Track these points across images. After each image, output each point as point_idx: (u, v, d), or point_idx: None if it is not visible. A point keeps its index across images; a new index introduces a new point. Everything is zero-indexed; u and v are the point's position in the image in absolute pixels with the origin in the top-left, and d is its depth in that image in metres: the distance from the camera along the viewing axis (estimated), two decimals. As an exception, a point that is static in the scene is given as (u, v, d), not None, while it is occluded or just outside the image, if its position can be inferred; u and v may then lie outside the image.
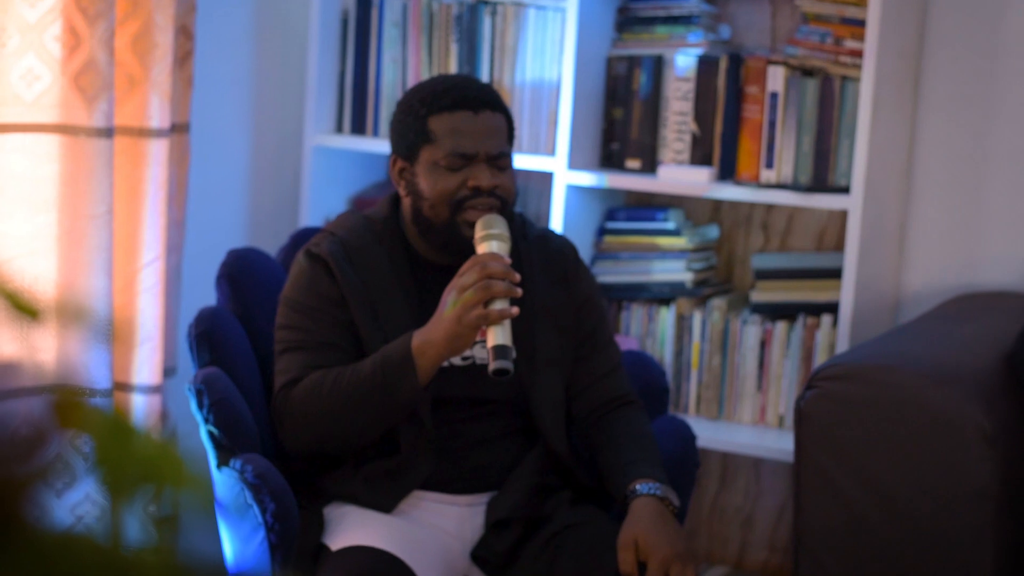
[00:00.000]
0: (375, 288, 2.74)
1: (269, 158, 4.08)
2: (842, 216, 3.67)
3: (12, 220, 2.97)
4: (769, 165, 3.57)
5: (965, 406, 2.81)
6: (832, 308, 3.56)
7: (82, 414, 0.60)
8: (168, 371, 3.38)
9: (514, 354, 2.53)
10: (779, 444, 3.49)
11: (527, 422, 2.80)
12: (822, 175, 3.52)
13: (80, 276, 3.05)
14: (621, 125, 3.74)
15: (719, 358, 3.68)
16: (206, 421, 2.70)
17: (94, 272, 3.06)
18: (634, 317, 3.75)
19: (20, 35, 2.94)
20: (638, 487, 2.62)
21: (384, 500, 2.70)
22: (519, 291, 2.54)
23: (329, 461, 2.76)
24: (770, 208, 3.81)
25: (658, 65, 3.69)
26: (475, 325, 2.52)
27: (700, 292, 3.73)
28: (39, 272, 3.01)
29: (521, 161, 3.61)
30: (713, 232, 3.84)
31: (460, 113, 2.72)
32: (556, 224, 3.62)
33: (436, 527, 2.72)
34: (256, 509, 2.60)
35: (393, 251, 2.78)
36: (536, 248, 2.86)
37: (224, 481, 2.66)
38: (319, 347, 2.70)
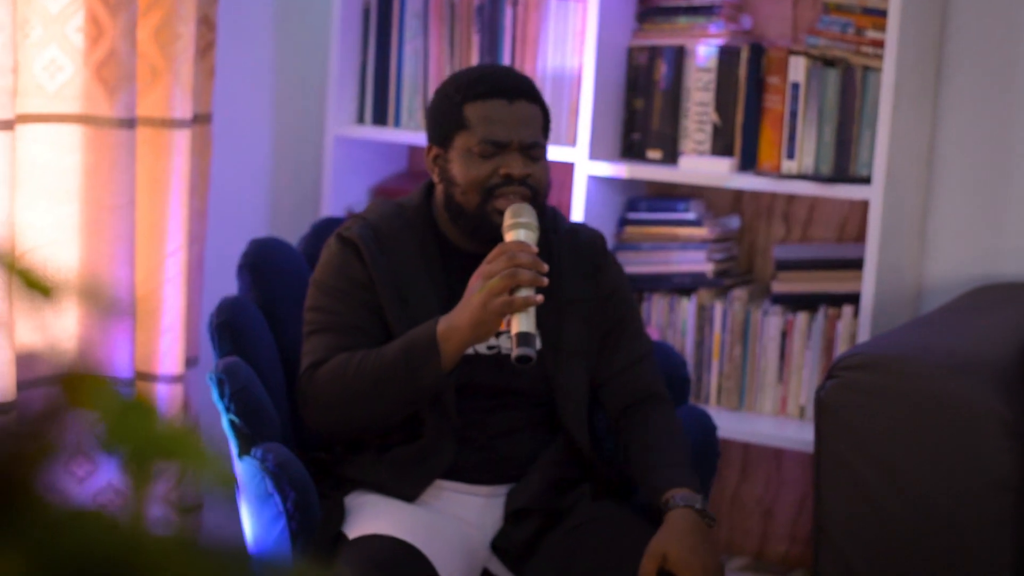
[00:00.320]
0: (404, 273, 2.75)
1: (291, 148, 4.09)
2: (863, 206, 3.66)
3: (35, 210, 2.99)
4: (790, 155, 3.56)
5: (986, 396, 2.81)
6: (853, 299, 3.55)
7: (96, 392, 0.60)
8: (190, 361, 3.39)
9: (539, 343, 2.53)
10: (800, 435, 3.49)
11: (550, 413, 2.80)
12: (843, 165, 3.52)
13: (102, 266, 3.06)
14: (642, 115, 3.74)
15: (740, 349, 3.68)
16: (227, 410, 2.71)
17: (116, 262, 3.07)
18: (655, 308, 3.75)
19: (43, 26, 2.95)
20: (677, 498, 2.60)
21: (407, 488, 2.70)
22: (545, 280, 2.54)
23: (351, 448, 2.77)
24: (791, 198, 3.81)
25: (679, 55, 3.69)
26: (500, 312, 2.53)
27: (721, 283, 3.73)
28: (61, 262, 3.03)
29: (547, 152, 3.61)
30: (734, 222, 3.83)
31: (496, 101, 2.73)
32: (577, 215, 3.62)
33: (456, 517, 2.73)
34: (277, 498, 2.61)
35: (423, 237, 2.79)
36: (566, 241, 2.86)
37: (245, 470, 2.67)
38: (346, 329, 2.72)
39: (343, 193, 3.93)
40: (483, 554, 2.74)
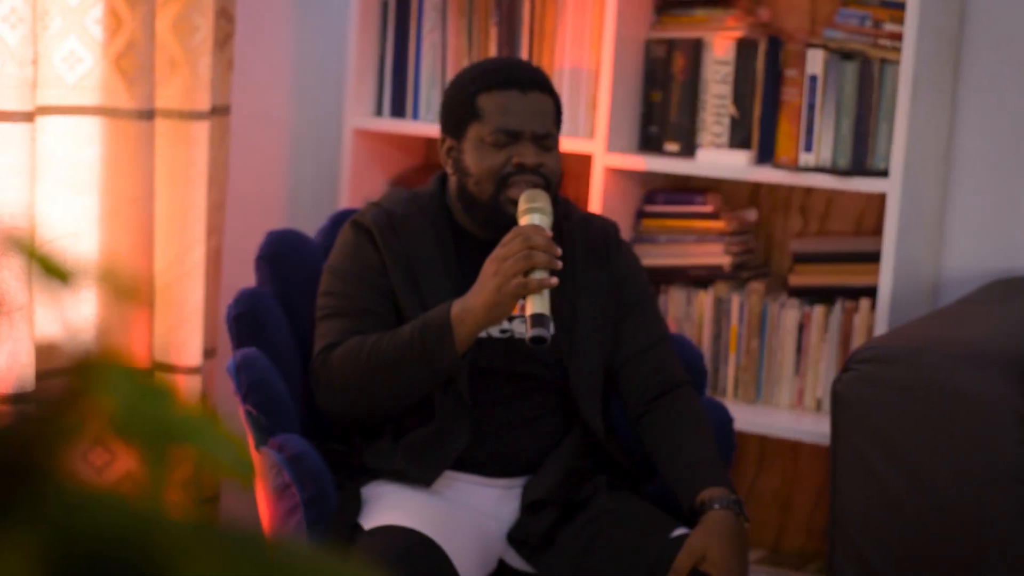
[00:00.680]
0: (417, 258, 2.76)
1: (309, 141, 4.10)
2: (881, 199, 3.66)
3: (54, 201, 3.00)
4: (808, 148, 3.56)
5: (1002, 390, 2.80)
6: (870, 292, 3.55)
7: (114, 376, 0.61)
8: (208, 352, 3.41)
9: (552, 327, 2.55)
10: (817, 428, 3.49)
11: (565, 401, 2.81)
12: (861, 158, 3.52)
13: (121, 258, 3.07)
14: (660, 108, 3.74)
15: (757, 342, 3.68)
16: (245, 401, 2.72)
17: (135, 254, 3.08)
18: (672, 300, 3.75)
19: (62, 18, 2.96)
20: (715, 499, 2.61)
21: (424, 472, 2.71)
22: (559, 263, 2.56)
23: (367, 436, 2.78)
24: (808, 191, 3.80)
25: (697, 48, 3.69)
26: (515, 294, 2.54)
27: (738, 275, 3.73)
28: (80, 252, 3.04)
29: (560, 143, 3.61)
30: (751, 215, 3.83)
31: (509, 91, 2.75)
32: (594, 207, 3.63)
33: (472, 508, 2.73)
34: (294, 489, 2.62)
35: (437, 224, 2.81)
36: (579, 229, 2.88)
37: (262, 461, 2.68)
38: (359, 313, 2.73)
39: (361, 185, 3.94)
40: (499, 545, 2.74)
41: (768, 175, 3.55)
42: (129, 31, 3.02)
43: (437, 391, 2.70)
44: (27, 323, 2.84)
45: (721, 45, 3.66)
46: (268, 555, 0.61)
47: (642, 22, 3.73)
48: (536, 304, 2.54)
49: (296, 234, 3.10)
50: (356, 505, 2.69)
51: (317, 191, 4.10)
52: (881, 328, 3.40)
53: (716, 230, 3.73)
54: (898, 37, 3.44)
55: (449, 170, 2.81)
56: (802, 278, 3.68)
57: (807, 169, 3.53)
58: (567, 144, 3.64)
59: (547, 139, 2.76)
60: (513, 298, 2.55)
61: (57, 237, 3.01)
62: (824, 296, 3.65)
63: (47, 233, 2.99)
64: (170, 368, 3.25)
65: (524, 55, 3.76)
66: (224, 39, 3.38)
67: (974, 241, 3.63)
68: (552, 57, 3.74)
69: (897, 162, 3.37)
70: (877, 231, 3.67)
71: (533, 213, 2.64)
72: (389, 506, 2.66)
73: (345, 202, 3.89)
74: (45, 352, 2.95)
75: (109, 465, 3.08)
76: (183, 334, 3.25)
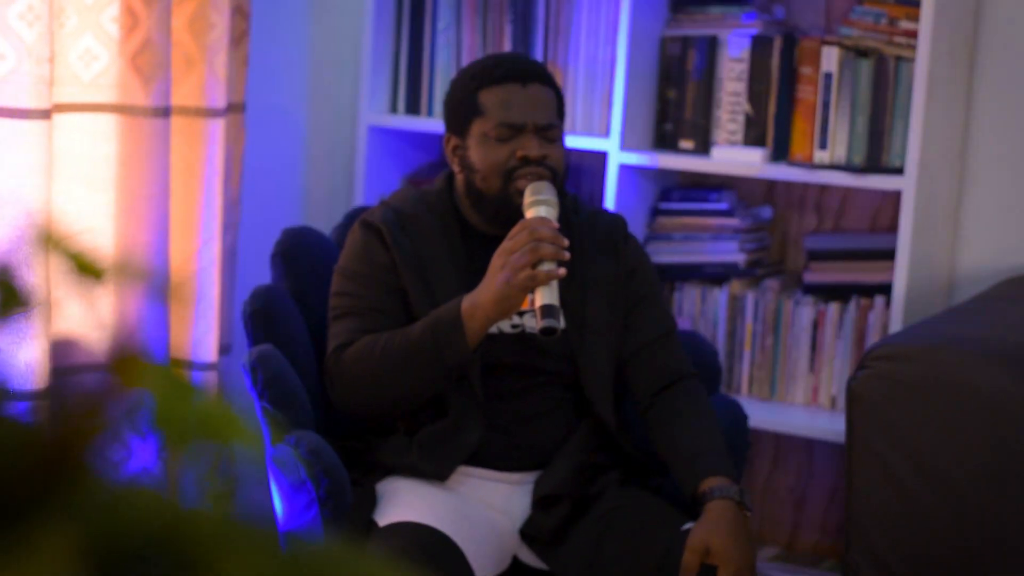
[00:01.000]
0: (426, 256, 2.78)
1: (324, 137, 4.10)
2: (896, 197, 3.65)
3: (70, 198, 3.01)
4: (823, 146, 3.56)
5: (1018, 387, 2.80)
6: (885, 289, 3.55)
7: (145, 372, 0.61)
8: (223, 348, 3.41)
9: (562, 319, 2.55)
10: (831, 425, 3.49)
11: (576, 395, 2.82)
12: (876, 156, 3.51)
13: (137, 254, 3.08)
14: (675, 106, 3.74)
15: (772, 339, 3.68)
16: (260, 398, 2.73)
17: (151, 250, 3.09)
18: (687, 297, 3.75)
19: (78, 15, 2.97)
20: (715, 488, 2.61)
21: (438, 467, 2.72)
22: (567, 254, 2.56)
23: (381, 432, 2.79)
24: (823, 189, 3.80)
25: (712, 45, 3.69)
26: (523, 287, 2.55)
27: (753, 273, 3.73)
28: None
29: (575, 141, 3.62)
30: (766, 213, 3.83)
31: (509, 85, 2.77)
32: (609, 204, 3.63)
33: (485, 504, 2.74)
34: (310, 485, 2.62)
35: (445, 221, 2.82)
36: (587, 224, 2.89)
37: (278, 457, 2.68)
38: (370, 312, 2.75)
39: (376, 182, 3.95)
40: (512, 541, 2.75)
41: (783, 172, 3.55)
42: (145, 29, 3.03)
43: (450, 387, 2.70)
44: (44, 320, 2.85)
45: (736, 42, 3.65)
46: (299, 550, 0.61)
47: (657, 19, 3.73)
48: (545, 295, 2.55)
49: (312, 231, 3.10)
50: (371, 501, 2.69)
51: (332, 188, 4.11)
52: (896, 325, 3.40)
53: (731, 227, 3.73)
54: (913, 35, 3.43)
55: (456, 168, 2.83)
56: (817, 275, 3.68)
57: (822, 166, 3.53)
58: (582, 142, 3.64)
59: (550, 130, 2.77)
60: (522, 290, 2.56)
61: (80, 232, 3.02)
62: (839, 293, 3.65)
63: (74, 229, 3.00)
64: (185, 364, 3.26)
65: (539, 52, 3.76)
66: (239, 36, 3.38)
67: (989, 238, 3.63)
68: (567, 54, 3.74)
69: (912, 159, 3.37)
70: (892, 228, 3.66)
71: (539, 205, 2.65)
72: (404, 502, 2.66)
73: (360, 199, 3.90)
74: (60, 349, 2.96)
75: (125, 460, 3.09)
76: (198, 330, 3.26)
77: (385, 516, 2.64)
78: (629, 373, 2.85)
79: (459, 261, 2.80)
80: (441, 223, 2.82)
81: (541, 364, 2.78)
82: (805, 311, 3.65)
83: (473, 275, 2.75)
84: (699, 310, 3.75)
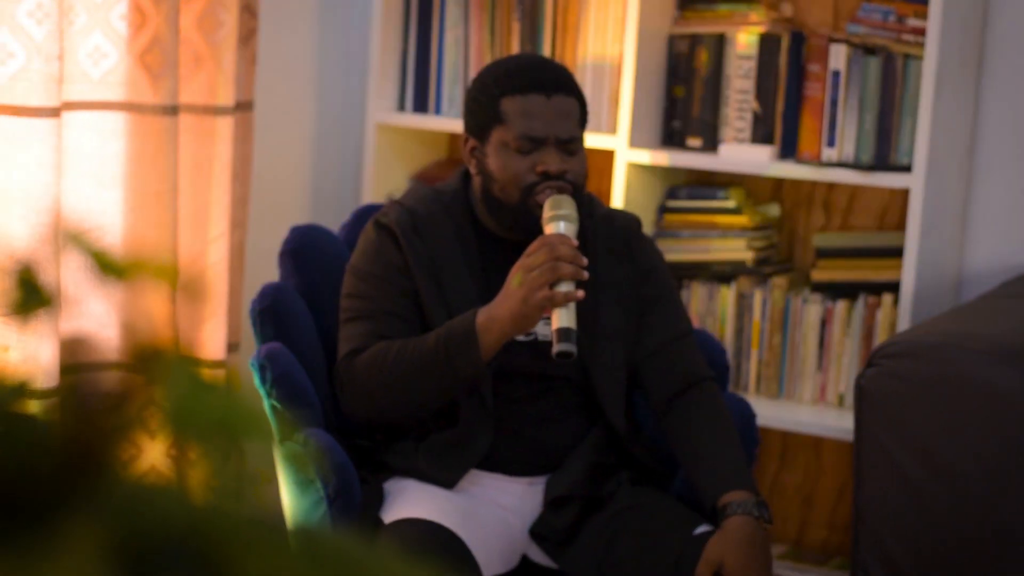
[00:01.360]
0: (440, 259, 2.75)
1: (332, 135, 4.11)
2: (904, 195, 3.65)
3: (79, 196, 3.01)
4: (831, 143, 3.56)
5: (1026, 385, 2.80)
6: (893, 287, 3.55)
7: (171, 370, 0.61)
8: (232, 346, 3.42)
9: (576, 338, 2.53)
10: (839, 423, 3.49)
11: (587, 399, 2.80)
12: (884, 153, 3.51)
13: (145, 252, 3.09)
14: (682, 103, 3.74)
15: (779, 337, 3.68)
16: (269, 396, 2.73)
17: (159, 248, 3.09)
18: (694, 295, 3.75)
19: (87, 13, 2.97)
20: (733, 503, 2.61)
21: (446, 475, 2.71)
22: (586, 274, 2.53)
23: (390, 435, 2.78)
24: (831, 187, 3.80)
25: (720, 43, 3.69)
26: (541, 306, 2.52)
27: (761, 271, 3.73)
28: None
29: (585, 143, 3.62)
30: (774, 210, 3.83)
31: (533, 96, 2.70)
32: (617, 202, 3.63)
33: (495, 503, 2.74)
34: (318, 483, 2.62)
35: (460, 223, 2.78)
36: (601, 225, 2.86)
37: (287, 455, 2.69)
38: (383, 316, 2.72)
39: (384, 180, 3.95)
40: (522, 541, 2.75)
41: (791, 170, 3.55)
42: (153, 26, 3.03)
43: (461, 396, 2.69)
44: (56, 317, 2.86)
45: (744, 40, 3.65)
46: (324, 548, 0.61)
47: (665, 17, 3.73)
48: (562, 318, 2.51)
49: (320, 229, 3.10)
50: (378, 499, 2.69)
51: (340, 186, 4.11)
52: (904, 323, 3.40)
53: (739, 225, 3.73)
54: (921, 32, 3.43)
55: (473, 170, 2.78)
56: (825, 273, 3.68)
57: (830, 164, 3.53)
58: (590, 140, 3.64)
59: (571, 143, 2.71)
60: (539, 310, 2.52)
61: (94, 229, 3.02)
62: (847, 291, 3.64)
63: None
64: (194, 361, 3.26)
65: (546, 50, 3.76)
66: (248, 34, 3.39)
67: (997, 236, 3.63)
68: (574, 52, 3.74)
69: (920, 157, 3.37)
70: (900, 226, 3.66)
71: (558, 221, 2.60)
72: (411, 500, 2.66)
73: (368, 197, 3.90)
74: (69, 347, 2.96)
75: (136, 458, 3.09)
76: (207, 328, 3.26)
77: (391, 513, 2.64)
78: (644, 376, 2.82)
79: (473, 264, 2.77)
80: (456, 225, 2.78)
81: (552, 371, 2.76)
82: (813, 309, 3.65)
83: (487, 278, 2.73)
84: (706, 308, 3.75)
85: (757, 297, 3.70)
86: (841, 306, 3.63)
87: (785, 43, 3.61)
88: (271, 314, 2.87)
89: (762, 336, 3.70)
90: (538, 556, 2.74)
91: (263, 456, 2.79)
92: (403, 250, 2.74)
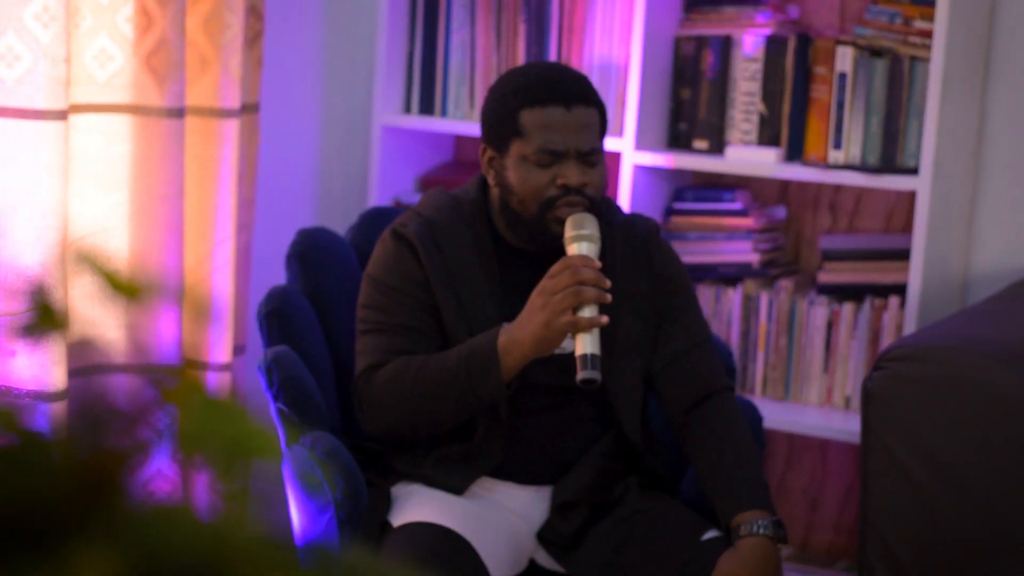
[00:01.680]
0: (460, 271, 2.71)
1: (338, 138, 4.11)
2: (910, 197, 3.65)
3: (85, 199, 3.01)
4: (837, 146, 3.56)
5: (1034, 389, 2.80)
6: (900, 289, 3.54)
7: (185, 389, 0.61)
8: (238, 349, 3.42)
9: (600, 364, 2.50)
10: (846, 425, 3.49)
11: (601, 409, 2.78)
12: (890, 156, 3.51)
13: (151, 254, 3.09)
14: (689, 105, 3.74)
15: (786, 339, 3.68)
16: (276, 399, 2.73)
17: (165, 251, 3.10)
18: (701, 298, 3.74)
19: (93, 16, 2.97)
20: (748, 523, 2.59)
21: (454, 482, 2.70)
22: (609, 297, 2.50)
23: (400, 442, 2.77)
24: (838, 189, 3.80)
25: (726, 45, 3.69)
26: (564, 331, 2.49)
27: (767, 273, 3.73)
28: (111, 250, 3.05)
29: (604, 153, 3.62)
30: (780, 213, 3.83)
31: (552, 108, 2.65)
32: (623, 205, 3.62)
33: (503, 507, 2.73)
34: (325, 487, 2.62)
35: (479, 235, 2.74)
36: (620, 233, 2.81)
37: (293, 459, 2.69)
38: (401, 330, 2.68)
39: (390, 183, 3.95)
40: (530, 545, 2.74)
41: (797, 172, 3.55)
42: (159, 29, 3.03)
43: (480, 414, 2.67)
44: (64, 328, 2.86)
45: (750, 42, 3.65)
46: (335, 567, 0.61)
47: (671, 19, 3.73)
48: (586, 343, 2.48)
49: (327, 232, 3.10)
50: (386, 503, 2.69)
51: (346, 188, 4.11)
52: (910, 326, 3.39)
53: (745, 227, 3.73)
54: (928, 34, 3.43)
55: (491, 180, 2.72)
56: (831, 275, 3.67)
57: (836, 166, 3.53)
58: (596, 141, 3.64)
59: (592, 155, 2.66)
60: (561, 335, 2.49)
61: (88, 234, 3.02)
62: (853, 293, 3.64)
63: (79, 230, 3.00)
64: (200, 365, 3.26)
65: (552, 52, 3.76)
66: (254, 37, 3.39)
67: (1004, 238, 3.62)
68: (581, 54, 3.74)
69: (927, 159, 3.37)
70: (907, 228, 3.66)
71: (581, 241, 2.56)
72: (418, 504, 2.66)
73: (375, 199, 3.90)
74: (76, 351, 2.96)
75: (152, 481, 3.09)
76: (213, 331, 3.26)
77: (399, 518, 2.64)
78: (661, 386, 2.79)
79: (493, 277, 2.72)
80: (475, 237, 2.73)
81: (569, 383, 2.71)
82: (819, 311, 3.65)
83: (506, 291, 2.71)
84: (713, 310, 3.75)
85: (763, 299, 3.70)
86: (848, 308, 3.62)
87: (791, 45, 3.61)
88: (278, 317, 2.87)
89: (768, 338, 3.69)
90: (546, 560, 2.74)
91: (276, 475, 2.79)
92: (422, 263, 2.69)
